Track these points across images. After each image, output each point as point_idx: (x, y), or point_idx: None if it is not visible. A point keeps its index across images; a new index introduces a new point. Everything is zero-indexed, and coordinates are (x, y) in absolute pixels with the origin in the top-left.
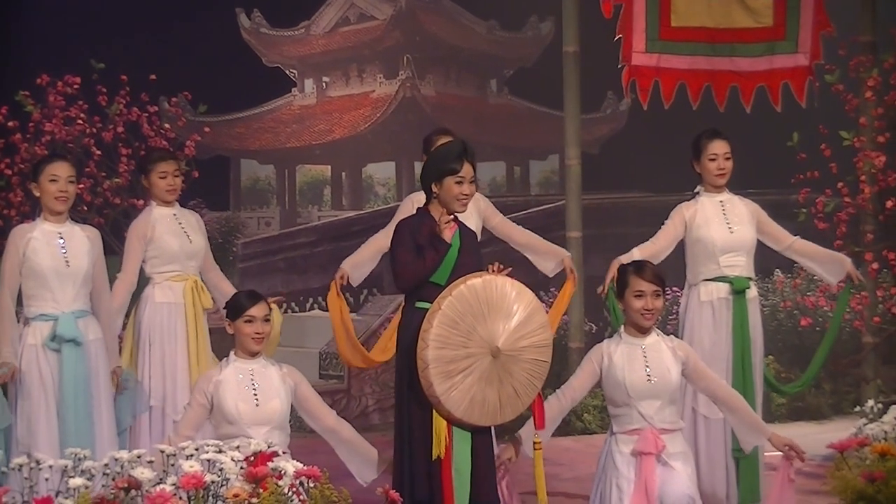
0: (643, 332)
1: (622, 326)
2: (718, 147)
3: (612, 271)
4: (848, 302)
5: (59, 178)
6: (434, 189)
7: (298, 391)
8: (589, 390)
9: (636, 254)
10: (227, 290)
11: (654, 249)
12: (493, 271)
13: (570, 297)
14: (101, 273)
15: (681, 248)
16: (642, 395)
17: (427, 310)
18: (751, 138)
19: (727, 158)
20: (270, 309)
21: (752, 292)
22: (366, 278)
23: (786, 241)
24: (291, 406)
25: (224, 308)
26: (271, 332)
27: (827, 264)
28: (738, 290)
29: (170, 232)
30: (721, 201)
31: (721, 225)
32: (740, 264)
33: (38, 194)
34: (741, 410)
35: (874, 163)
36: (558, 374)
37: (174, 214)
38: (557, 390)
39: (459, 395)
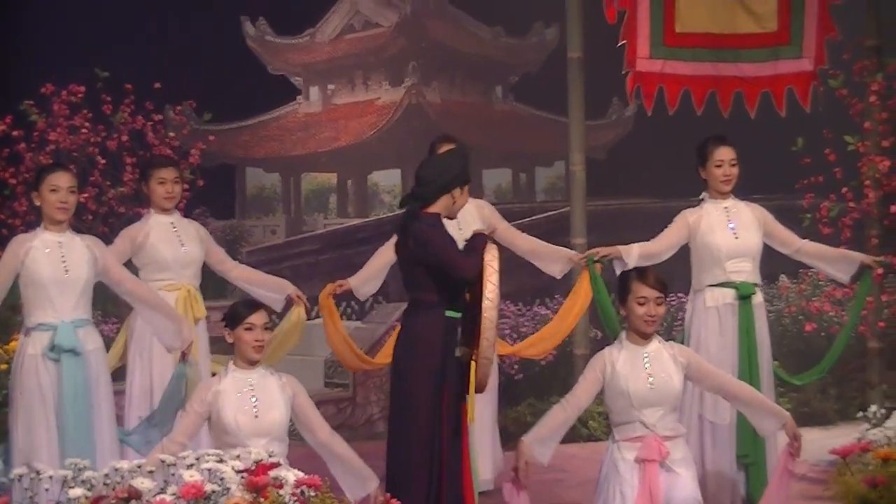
0: (645, 338)
1: (623, 333)
2: (724, 153)
3: (609, 250)
4: (870, 287)
5: (59, 189)
6: (453, 195)
7: (296, 401)
8: (594, 398)
9: (635, 249)
10: (255, 276)
11: (653, 249)
12: None
13: (588, 292)
14: (120, 271)
15: (686, 254)
16: (645, 402)
17: (457, 318)
18: (755, 143)
19: (733, 165)
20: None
21: (758, 298)
22: None
23: (794, 244)
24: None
25: (222, 319)
26: (294, 330)
27: (837, 263)
28: (744, 296)
29: (163, 240)
30: (726, 207)
31: (726, 231)
32: (746, 270)
33: (38, 203)
34: (753, 400)
35: (878, 167)
36: (564, 379)
37: (171, 223)
38: (562, 399)
39: None
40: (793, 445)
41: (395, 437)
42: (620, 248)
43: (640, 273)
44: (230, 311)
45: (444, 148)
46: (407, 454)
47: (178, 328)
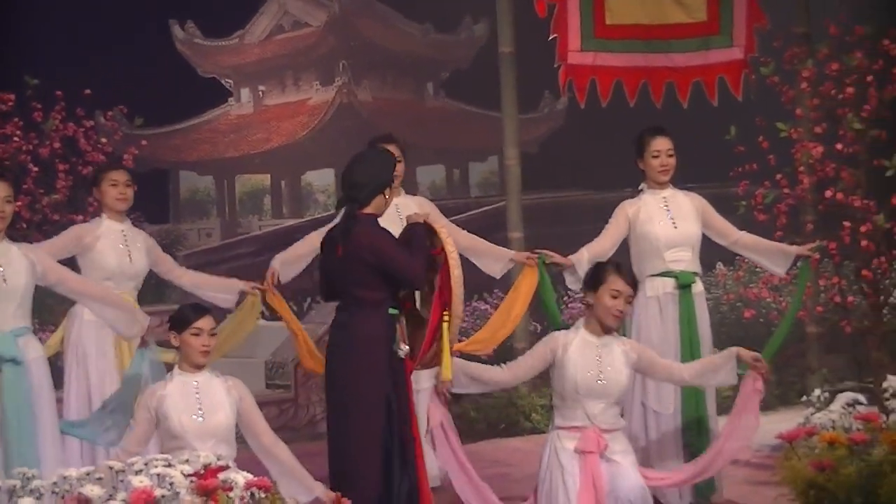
0: (606, 331)
1: (581, 321)
2: (661, 144)
3: (561, 260)
4: (809, 277)
5: None
6: (385, 195)
7: (242, 405)
8: (534, 374)
9: (585, 255)
10: (205, 280)
11: (600, 249)
12: None
13: (530, 288)
14: (60, 272)
15: (625, 245)
16: (590, 394)
17: (396, 315)
18: (689, 133)
19: (670, 155)
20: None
21: (698, 287)
22: (308, 286)
23: (732, 235)
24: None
25: (168, 321)
26: (249, 317)
27: (773, 255)
28: (684, 285)
29: (112, 247)
30: (664, 197)
31: (665, 221)
32: (685, 259)
33: None
34: (701, 371)
35: (812, 153)
36: None
37: (123, 231)
38: (504, 364)
39: None
40: (756, 366)
41: (343, 437)
42: (571, 257)
43: (618, 268)
44: (177, 314)
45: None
46: (358, 453)
47: (132, 315)
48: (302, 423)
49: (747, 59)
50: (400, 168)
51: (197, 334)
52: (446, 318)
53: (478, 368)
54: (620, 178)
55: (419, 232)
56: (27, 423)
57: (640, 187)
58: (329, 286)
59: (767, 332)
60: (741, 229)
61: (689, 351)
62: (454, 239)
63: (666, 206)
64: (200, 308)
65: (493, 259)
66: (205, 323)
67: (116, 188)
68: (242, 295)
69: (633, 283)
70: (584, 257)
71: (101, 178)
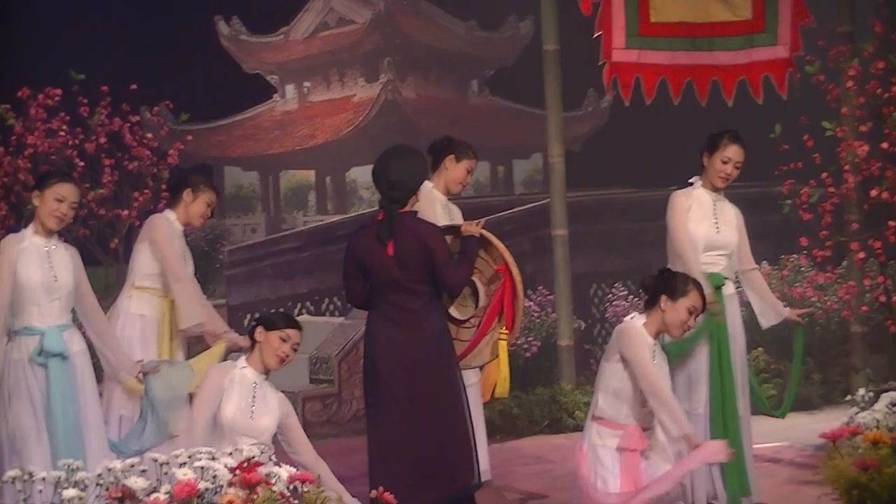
0: (656, 336)
1: (640, 316)
2: (735, 153)
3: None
4: (803, 343)
5: (64, 200)
6: (417, 195)
7: (287, 421)
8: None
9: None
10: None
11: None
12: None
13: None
14: (88, 290)
15: (662, 238)
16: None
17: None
18: None
19: (737, 167)
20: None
21: (730, 289)
22: (324, 287)
23: (748, 264)
24: None
25: (259, 317)
26: (212, 358)
27: (766, 307)
28: (715, 286)
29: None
30: (715, 202)
31: (710, 223)
32: (721, 263)
33: (36, 204)
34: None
35: (857, 152)
36: (548, 371)
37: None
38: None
39: None
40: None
41: (427, 428)
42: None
43: (699, 286)
44: (275, 315)
45: (472, 161)
46: (453, 438)
47: (126, 365)
48: (345, 419)
49: (792, 58)
50: (469, 179)
51: (285, 340)
52: (504, 336)
53: None
54: (663, 177)
55: (474, 245)
56: (73, 417)
57: (690, 180)
58: (377, 289)
59: (811, 330)
60: (786, 229)
61: (718, 353)
62: None
63: (714, 209)
64: (296, 321)
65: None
66: (296, 335)
67: (209, 208)
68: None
69: (704, 302)
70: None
71: (200, 189)
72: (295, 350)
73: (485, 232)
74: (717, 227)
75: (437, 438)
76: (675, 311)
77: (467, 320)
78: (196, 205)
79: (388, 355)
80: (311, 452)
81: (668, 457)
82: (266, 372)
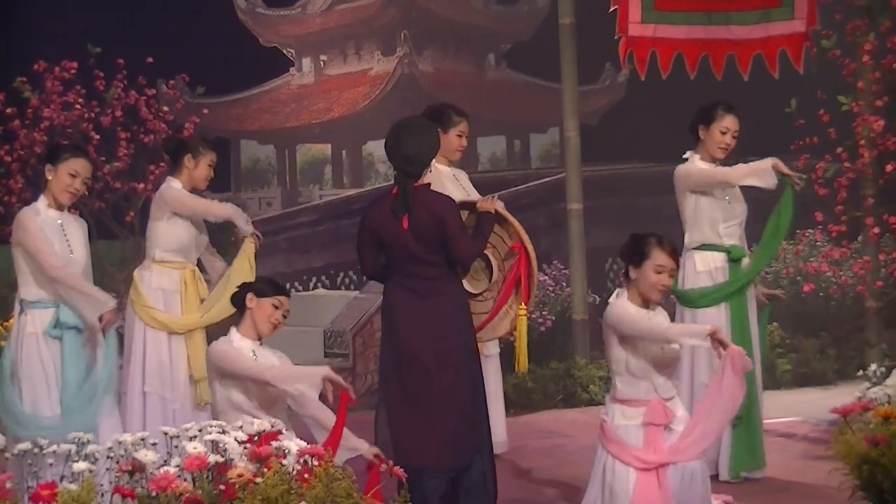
0: (646, 304)
1: (622, 292)
2: (732, 123)
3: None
4: (765, 326)
5: (78, 175)
6: (430, 167)
7: None
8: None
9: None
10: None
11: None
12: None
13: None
14: (89, 262)
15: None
16: (660, 364)
17: None
18: (749, 106)
19: (734, 136)
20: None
21: (747, 261)
22: (340, 260)
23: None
24: None
25: (248, 286)
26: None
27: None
28: (734, 259)
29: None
30: None
31: (720, 194)
32: (737, 234)
33: (49, 178)
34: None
35: (872, 127)
36: (563, 346)
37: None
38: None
39: None
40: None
41: (467, 397)
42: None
43: (661, 242)
44: (267, 281)
45: (464, 124)
46: (474, 405)
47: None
48: (360, 392)
49: (808, 32)
50: (464, 141)
51: (277, 307)
52: (522, 312)
53: None
54: (680, 151)
55: (489, 221)
56: (86, 390)
57: (685, 155)
58: (394, 260)
59: (826, 305)
60: (801, 205)
61: (739, 325)
62: None
63: None
64: (286, 289)
65: None
66: (286, 301)
67: (210, 169)
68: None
69: (676, 256)
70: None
71: (202, 153)
72: (285, 317)
73: (500, 208)
74: (728, 198)
75: (460, 403)
76: (644, 276)
77: (480, 294)
78: (200, 169)
79: (410, 324)
80: (315, 403)
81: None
82: (259, 339)
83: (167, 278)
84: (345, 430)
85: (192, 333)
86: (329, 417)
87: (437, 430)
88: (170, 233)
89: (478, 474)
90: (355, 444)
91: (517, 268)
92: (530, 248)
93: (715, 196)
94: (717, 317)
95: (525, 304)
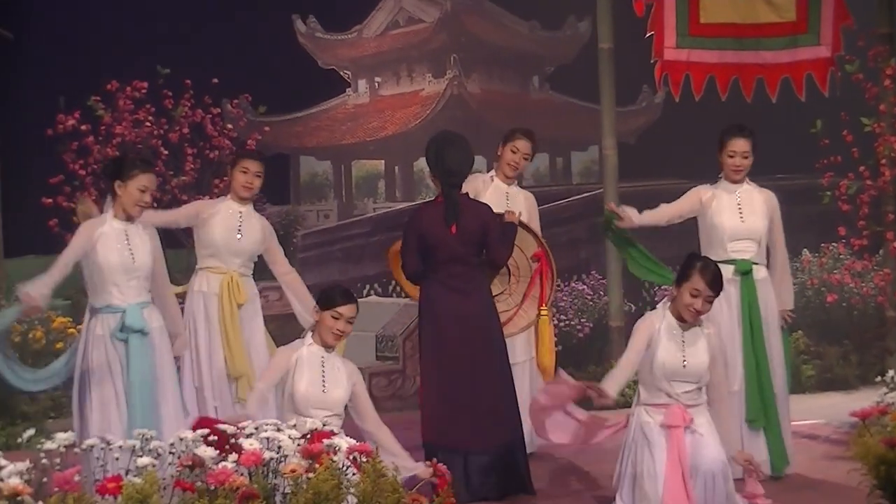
0: (683, 322)
1: (668, 303)
2: (738, 145)
3: (619, 211)
4: (789, 346)
5: (147, 190)
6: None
7: (356, 389)
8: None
9: (647, 216)
10: (297, 290)
11: (657, 215)
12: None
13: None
14: (161, 267)
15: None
16: (675, 377)
17: None
18: (777, 126)
19: (745, 157)
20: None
21: (761, 273)
22: (370, 275)
23: (778, 250)
24: None
25: (318, 298)
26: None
27: (777, 292)
28: (742, 271)
29: (223, 225)
30: (738, 193)
31: (734, 215)
32: (749, 250)
33: (119, 193)
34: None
35: (893, 147)
36: (600, 350)
37: (240, 212)
38: (619, 362)
39: None
40: (748, 468)
41: (502, 383)
42: (626, 208)
43: (704, 268)
44: (326, 293)
45: (520, 141)
46: (506, 390)
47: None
48: (409, 393)
49: (834, 57)
50: (518, 157)
51: (336, 318)
52: (544, 313)
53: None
54: (712, 169)
55: (513, 231)
56: (150, 390)
57: (720, 175)
58: (438, 261)
59: (848, 314)
60: (826, 220)
61: (751, 333)
62: None
63: (738, 201)
64: (348, 295)
65: None
66: (347, 310)
67: (245, 176)
68: None
69: (715, 285)
70: (636, 214)
71: (236, 163)
72: (350, 323)
73: (523, 222)
74: (742, 217)
75: (500, 387)
76: (681, 296)
77: (499, 294)
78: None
79: (451, 318)
80: (375, 420)
81: (712, 431)
82: (328, 347)
83: (206, 282)
84: (401, 450)
85: (230, 334)
86: (385, 437)
87: (471, 414)
88: (199, 241)
89: (517, 455)
90: (411, 466)
91: (539, 273)
92: (550, 256)
93: (724, 215)
94: (729, 327)
95: (542, 304)
